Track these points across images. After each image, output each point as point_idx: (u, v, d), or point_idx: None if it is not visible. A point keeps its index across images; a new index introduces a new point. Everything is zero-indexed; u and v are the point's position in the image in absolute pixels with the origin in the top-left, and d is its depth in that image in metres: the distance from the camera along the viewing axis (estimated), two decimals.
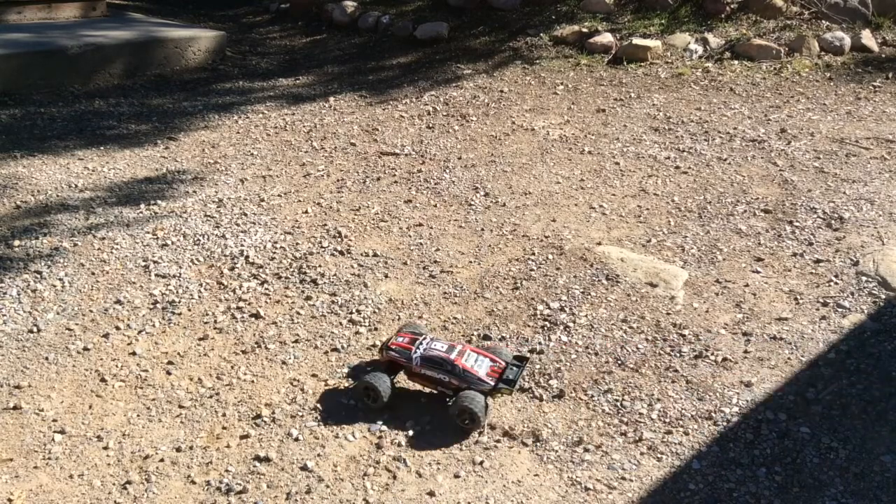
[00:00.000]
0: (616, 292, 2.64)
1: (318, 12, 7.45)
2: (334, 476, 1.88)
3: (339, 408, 2.12)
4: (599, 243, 2.98)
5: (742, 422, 2.03)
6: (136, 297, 2.63)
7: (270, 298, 2.64)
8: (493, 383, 2.02)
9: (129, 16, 6.87)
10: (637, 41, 5.53)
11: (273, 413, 2.10)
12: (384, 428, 2.01)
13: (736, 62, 5.31)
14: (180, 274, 2.78)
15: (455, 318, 2.52)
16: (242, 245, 2.99)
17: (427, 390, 2.13)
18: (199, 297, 2.64)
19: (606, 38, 5.72)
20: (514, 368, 2.08)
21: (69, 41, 5.32)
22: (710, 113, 4.47)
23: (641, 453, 1.94)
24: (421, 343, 2.09)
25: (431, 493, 1.83)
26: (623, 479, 1.87)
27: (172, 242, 3.01)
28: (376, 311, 2.56)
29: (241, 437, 2.01)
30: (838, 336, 2.37)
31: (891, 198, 3.26)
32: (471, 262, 2.87)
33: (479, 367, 2.04)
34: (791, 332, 2.39)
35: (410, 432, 2.00)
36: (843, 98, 4.62)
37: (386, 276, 2.77)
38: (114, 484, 1.86)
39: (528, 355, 2.25)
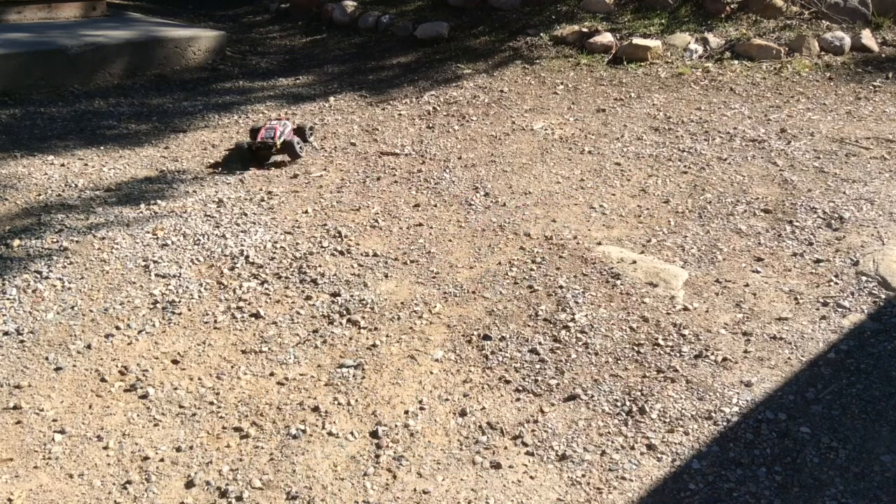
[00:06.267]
0: (616, 292, 2.64)
1: (318, 12, 7.45)
2: (334, 476, 1.88)
3: (338, 407, 2.12)
4: (599, 243, 2.98)
5: (742, 422, 2.03)
6: (136, 297, 2.63)
7: (270, 298, 2.64)
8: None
9: (129, 15, 6.87)
10: (637, 41, 5.53)
11: (273, 413, 2.10)
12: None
13: (736, 62, 5.31)
14: (180, 274, 2.78)
15: (455, 317, 2.52)
16: (242, 245, 2.99)
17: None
18: (199, 296, 2.64)
19: (606, 37, 5.72)
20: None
21: (69, 41, 5.32)
22: (710, 113, 4.47)
23: (641, 453, 1.94)
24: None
25: (431, 493, 1.83)
26: (623, 479, 1.87)
27: (172, 242, 3.01)
28: (376, 310, 2.56)
29: (242, 437, 2.01)
30: (838, 336, 2.37)
31: (891, 198, 3.27)
32: (471, 261, 2.87)
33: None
34: (791, 332, 2.39)
35: None
36: (843, 98, 4.62)
37: (386, 276, 2.77)
38: (114, 484, 1.86)
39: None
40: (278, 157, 3.89)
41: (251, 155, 3.82)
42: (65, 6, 6.43)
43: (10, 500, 1.81)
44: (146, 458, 1.94)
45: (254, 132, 3.93)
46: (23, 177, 3.65)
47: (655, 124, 4.32)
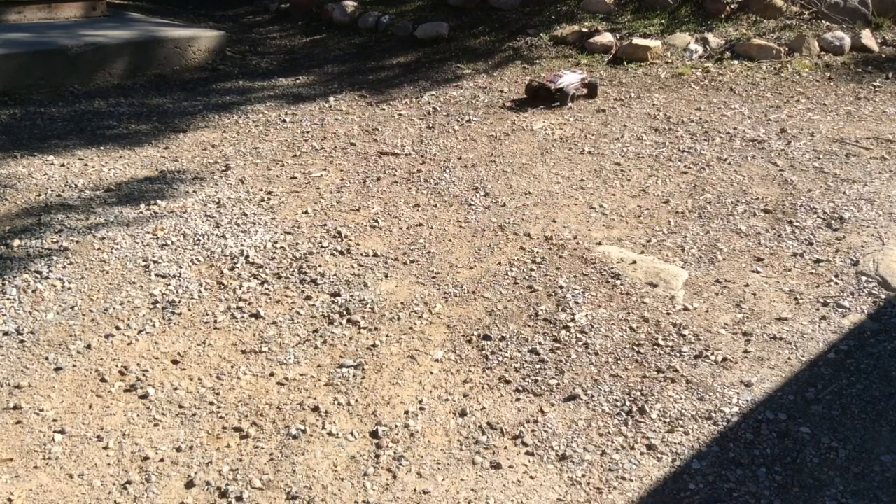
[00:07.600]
0: (616, 292, 2.64)
1: (318, 12, 7.45)
2: (334, 476, 1.88)
3: (338, 407, 2.12)
4: (599, 243, 2.98)
5: (742, 422, 2.03)
6: (136, 297, 2.63)
7: (270, 298, 2.64)
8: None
9: (129, 15, 6.87)
10: (637, 41, 5.53)
11: (273, 413, 2.10)
12: None
13: (736, 62, 5.31)
14: (180, 274, 2.78)
15: (455, 317, 2.52)
16: (242, 245, 2.99)
17: None
18: (199, 297, 2.64)
19: (606, 37, 5.72)
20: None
21: (69, 41, 5.32)
22: (710, 113, 4.47)
23: (641, 453, 1.94)
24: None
25: (431, 493, 1.83)
26: (623, 479, 1.87)
27: (172, 242, 3.01)
28: (376, 311, 2.56)
29: (242, 437, 2.01)
30: (838, 336, 2.37)
31: (891, 198, 3.27)
32: (471, 261, 2.87)
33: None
34: (791, 332, 2.40)
35: None
36: (843, 98, 4.62)
37: (386, 276, 2.77)
38: (114, 484, 1.86)
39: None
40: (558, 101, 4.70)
41: (534, 94, 4.74)
42: (65, 6, 6.43)
43: (10, 500, 1.81)
44: (146, 458, 1.94)
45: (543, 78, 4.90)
46: (23, 177, 3.65)
47: (655, 124, 4.32)
